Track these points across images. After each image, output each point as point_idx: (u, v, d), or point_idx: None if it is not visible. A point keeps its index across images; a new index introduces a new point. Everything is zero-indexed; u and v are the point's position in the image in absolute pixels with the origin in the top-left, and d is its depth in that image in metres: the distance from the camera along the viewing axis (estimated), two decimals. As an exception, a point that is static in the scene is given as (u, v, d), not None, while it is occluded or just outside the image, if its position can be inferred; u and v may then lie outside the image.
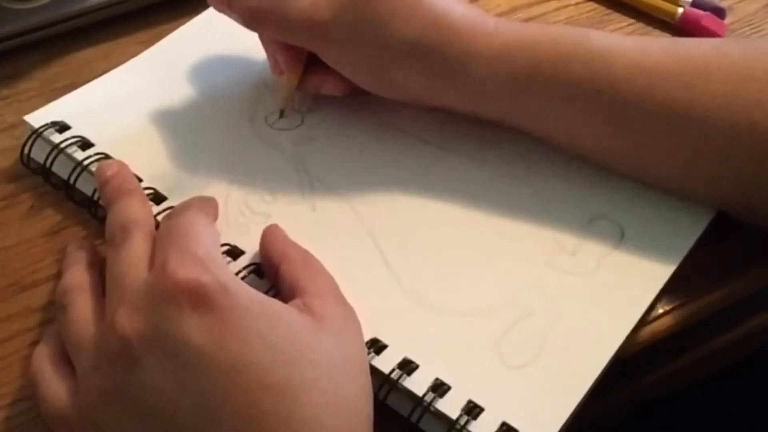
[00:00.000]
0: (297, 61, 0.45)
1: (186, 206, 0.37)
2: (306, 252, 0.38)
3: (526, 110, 0.42)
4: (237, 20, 0.44)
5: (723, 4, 0.54)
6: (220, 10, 0.44)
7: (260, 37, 0.46)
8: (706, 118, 0.39)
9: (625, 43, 0.41)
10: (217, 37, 0.51)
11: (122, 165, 0.41)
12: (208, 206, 0.39)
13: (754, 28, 0.54)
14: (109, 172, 0.40)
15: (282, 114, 0.47)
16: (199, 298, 0.31)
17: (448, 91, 0.43)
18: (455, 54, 0.41)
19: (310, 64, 0.45)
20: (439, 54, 0.41)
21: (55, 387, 0.34)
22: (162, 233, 0.36)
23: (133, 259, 0.35)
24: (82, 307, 0.35)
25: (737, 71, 0.39)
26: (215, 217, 0.40)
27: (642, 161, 0.41)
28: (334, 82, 0.45)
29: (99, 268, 0.38)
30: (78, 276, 0.37)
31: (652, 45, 0.42)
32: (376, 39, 0.41)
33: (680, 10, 0.53)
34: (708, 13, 0.53)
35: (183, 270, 0.32)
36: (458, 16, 0.41)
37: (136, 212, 0.38)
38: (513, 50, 0.41)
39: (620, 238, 0.41)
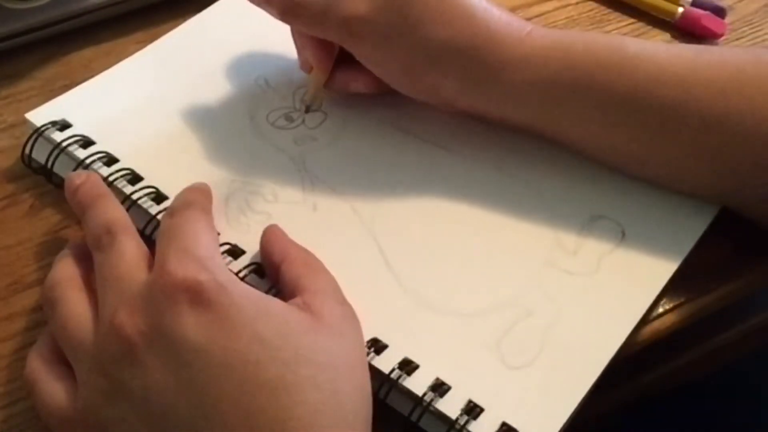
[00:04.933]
0: (327, 57, 0.45)
1: (186, 204, 0.37)
2: (306, 251, 0.38)
3: (557, 116, 0.42)
4: (272, 13, 0.43)
5: (723, 4, 0.54)
6: (255, 3, 0.43)
7: (292, 32, 0.46)
8: (739, 124, 0.39)
9: (659, 49, 0.41)
10: (217, 36, 0.51)
11: (91, 174, 0.41)
12: (206, 200, 0.39)
13: (754, 28, 0.54)
14: (78, 181, 0.39)
15: (308, 110, 0.46)
16: (197, 296, 0.32)
17: (480, 96, 0.42)
18: (490, 59, 0.41)
19: (340, 60, 0.45)
20: (474, 58, 0.41)
21: (53, 388, 0.34)
22: (162, 232, 0.36)
23: (128, 261, 0.35)
24: (74, 305, 0.35)
25: None
26: (211, 206, 0.39)
27: (670, 168, 0.41)
28: (363, 81, 0.45)
29: (89, 264, 0.37)
30: (68, 269, 0.37)
31: (685, 52, 0.41)
32: (412, 39, 0.41)
33: (680, 9, 0.53)
34: (708, 12, 0.53)
35: (182, 269, 0.32)
36: (495, 20, 0.41)
37: (116, 214, 0.37)
38: (547, 55, 0.41)
39: (621, 237, 0.41)
